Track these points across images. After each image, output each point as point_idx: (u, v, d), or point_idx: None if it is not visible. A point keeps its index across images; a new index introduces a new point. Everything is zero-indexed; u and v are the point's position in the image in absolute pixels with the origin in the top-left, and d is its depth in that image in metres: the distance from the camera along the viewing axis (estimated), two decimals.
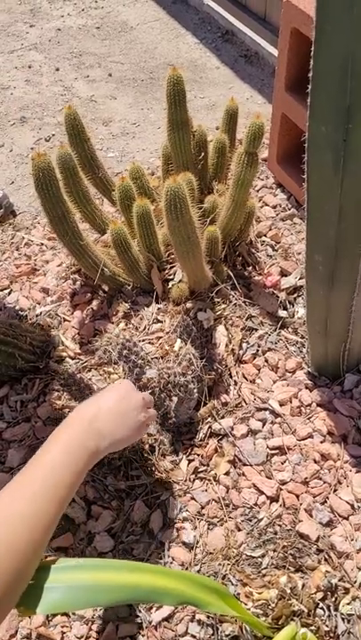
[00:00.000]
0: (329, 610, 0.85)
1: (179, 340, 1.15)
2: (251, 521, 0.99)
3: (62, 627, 0.95)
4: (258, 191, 1.60)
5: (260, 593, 0.85)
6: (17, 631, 0.97)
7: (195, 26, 2.48)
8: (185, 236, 1.05)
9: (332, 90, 0.75)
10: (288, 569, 0.90)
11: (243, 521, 0.99)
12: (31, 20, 2.59)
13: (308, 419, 1.13)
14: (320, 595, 0.85)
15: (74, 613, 0.96)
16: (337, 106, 0.77)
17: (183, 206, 0.99)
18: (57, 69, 2.31)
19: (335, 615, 0.85)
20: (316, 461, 1.05)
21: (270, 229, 1.47)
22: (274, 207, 1.55)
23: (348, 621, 0.86)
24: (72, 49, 2.41)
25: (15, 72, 2.30)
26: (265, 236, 1.46)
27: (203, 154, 1.33)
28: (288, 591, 0.84)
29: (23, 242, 1.58)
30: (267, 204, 1.56)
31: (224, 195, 1.33)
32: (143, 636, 0.92)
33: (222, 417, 1.13)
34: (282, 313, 1.32)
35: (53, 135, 2.01)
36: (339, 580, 0.89)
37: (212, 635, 0.89)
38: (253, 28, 2.25)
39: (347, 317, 1.08)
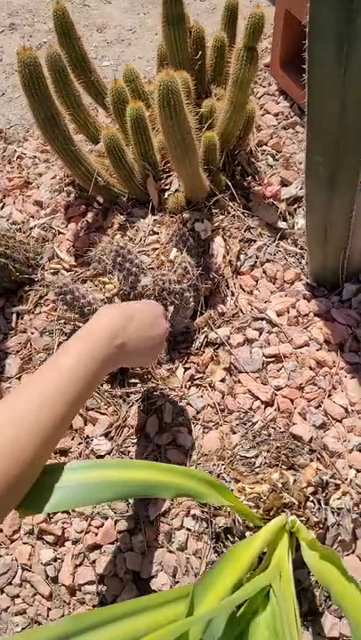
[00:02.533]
0: (319, 503, 0.88)
1: (175, 250, 1.13)
2: (245, 424, 1.00)
3: (63, 523, 0.99)
4: (259, 98, 1.52)
5: (252, 488, 0.88)
6: (20, 527, 1.02)
7: None
8: (180, 137, 1.00)
9: None
10: (281, 467, 0.92)
11: (237, 424, 1.00)
12: None
13: (305, 328, 1.12)
14: (311, 489, 0.88)
15: (74, 510, 0.99)
16: None
17: (177, 103, 0.94)
18: None
19: (325, 509, 0.88)
20: (311, 368, 1.06)
21: (271, 138, 1.40)
22: (276, 115, 1.47)
23: (338, 514, 0.88)
24: None
25: None
26: (266, 144, 1.40)
27: (200, 53, 1.25)
28: (280, 486, 0.86)
29: (15, 155, 1.53)
30: (268, 112, 1.48)
31: (223, 99, 1.27)
32: (140, 530, 0.95)
33: (219, 326, 1.12)
34: (281, 224, 1.28)
35: (45, 42, 1.90)
36: (330, 477, 0.91)
37: (207, 528, 0.92)
38: None
39: (347, 223, 1.05)
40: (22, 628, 0.96)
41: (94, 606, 0.94)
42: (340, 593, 0.60)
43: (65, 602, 0.96)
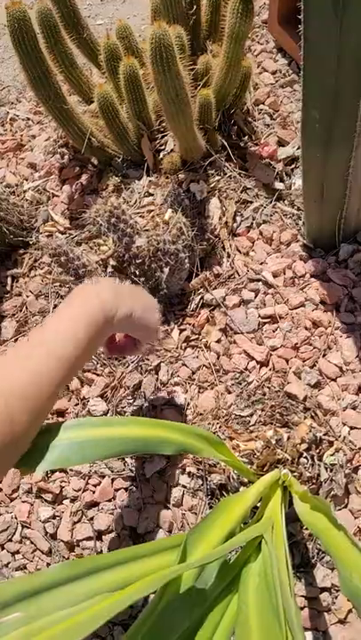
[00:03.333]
0: (313, 459, 0.89)
1: (169, 210, 1.12)
2: (240, 384, 1.01)
3: (61, 482, 1.01)
4: (256, 56, 1.49)
5: (246, 445, 0.89)
6: (19, 487, 1.03)
7: None
8: (173, 93, 0.98)
9: None
10: (275, 425, 0.93)
11: (233, 384, 1.01)
12: None
13: (301, 289, 1.12)
14: (304, 446, 0.88)
15: (71, 469, 1.01)
16: None
17: (170, 57, 0.92)
18: None
19: (319, 465, 0.89)
20: (307, 328, 1.06)
21: (269, 96, 1.37)
22: (273, 73, 1.44)
23: (331, 470, 0.90)
24: None
25: None
26: (263, 103, 1.37)
27: (195, 7, 1.21)
28: (273, 442, 0.87)
29: (8, 117, 1.50)
30: (266, 70, 1.45)
31: (219, 56, 1.24)
32: (137, 487, 0.97)
33: (214, 288, 1.12)
34: (278, 185, 1.27)
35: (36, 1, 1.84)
36: (324, 435, 0.92)
37: (202, 484, 0.94)
38: None
39: (343, 181, 1.03)
40: None
41: None
42: (329, 540, 0.61)
43: (64, 557, 0.98)
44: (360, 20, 0.78)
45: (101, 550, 0.95)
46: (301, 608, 0.86)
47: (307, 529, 0.88)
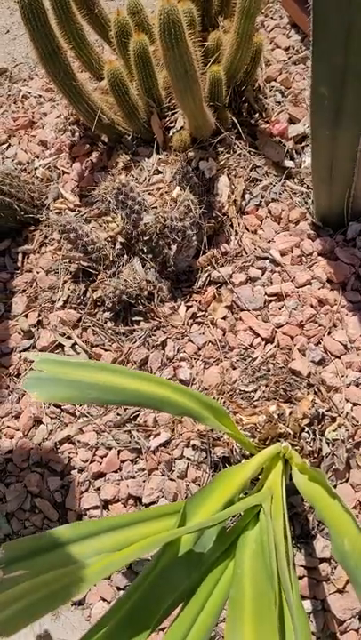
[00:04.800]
0: (315, 434, 0.90)
1: (178, 188, 1.12)
2: (245, 360, 1.02)
3: (69, 452, 1.04)
4: (269, 32, 1.47)
5: (249, 419, 0.90)
6: (29, 457, 1.06)
7: None
8: (182, 69, 0.98)
9: None
10: (278, 400, 0.95)
11: (238, 360, 1.02)
12: None
13: (309, 267, 1.12)
14: (306, 421, 0.90)
15: (79, 441, 1.03)
16: None
17: (178, 32, 0.92)
18: None
19: (320, 440, 0.91)
20: (313, 306, 1.06)
21: (280, 73, 1.36)
22: (286, 49, 1.42)
23: (333, 445, 0.91)
24: None
25: None
26: (274, 80, 1.36)
27: None
28: (276, 417, 0.88)
29: (20, 94, 1.51)
30: (278, 47, 1.43)
31: (230, 32, 1.23)
32: (142, 459, 0.99)
33: (222, 266, 1.13)
34: (288, 163, 1.26)
35: None
36: (326, 411, 0.94)
37: (206, 457, 0.96)
38: None
39: (352, 159, 1.03)
40: None
41: None
42: (324, 509, 0.63)
43: None
44: None
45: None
46: (301, 577, 0.89)
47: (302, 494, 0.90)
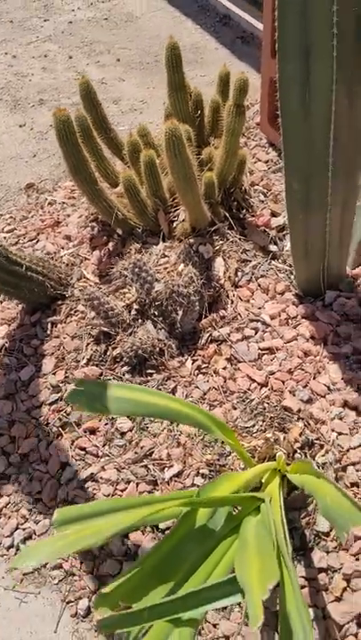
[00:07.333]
0: (306, 456, 1.05)
1: (182, 264, 1.36)
2: (244, 401, 1.19)
3: (93, 489, 1.17)
4: (252, 149, 1.81)
5: (249, 443, 1.06)
6: (56, 495, 1.19)
7: (195, 13, 2.69)
8: (183, 172, 1.26)
9: (294, 31, 0.95)
10: (273, 430, 1.11)
11: (238, 402, 1.20)
12: (45, 15, 2.82)
13: (294, 327, 1.33)
14: (298, 445, 1.05)
15: (101, 477, 1.17)
16: (299, 44, 0.97)
17: (180, 143, 1.20)
18: (70, 57, 2.54)
19: (312, 462, 1.05)
20: (299, 357, 1.25)
21: (262, 180, 1.67)
22: (266, 162, 1.75)
23: (323, 467, 1.06)
24: (83, 39, 2.64)
25: (33, 61, 2.54)
26: (257, 185, 1.66)
27: (199, 111, 1.54)
28: (272, 441, 1.04)
29: (47, 202, 1.81)
30: (260, 160, 1.76)
31: (219, 148, 1.54)
32: (158, 489, 1.13)
33: (221, 327, 1.34)
34: (272, 247, 1.52)
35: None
36: (315, 439, 1.09)
37: None
38: (249, 12, 2.46)
39: (323, 238, 1.28)
40: None
41: None
42: (312, 485, 0.78)
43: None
44: (320, 118, 1.05)
45: (128, 546, 1.10)
46: (302, 587, 0.99)
47: (304, 516, 1.03)
